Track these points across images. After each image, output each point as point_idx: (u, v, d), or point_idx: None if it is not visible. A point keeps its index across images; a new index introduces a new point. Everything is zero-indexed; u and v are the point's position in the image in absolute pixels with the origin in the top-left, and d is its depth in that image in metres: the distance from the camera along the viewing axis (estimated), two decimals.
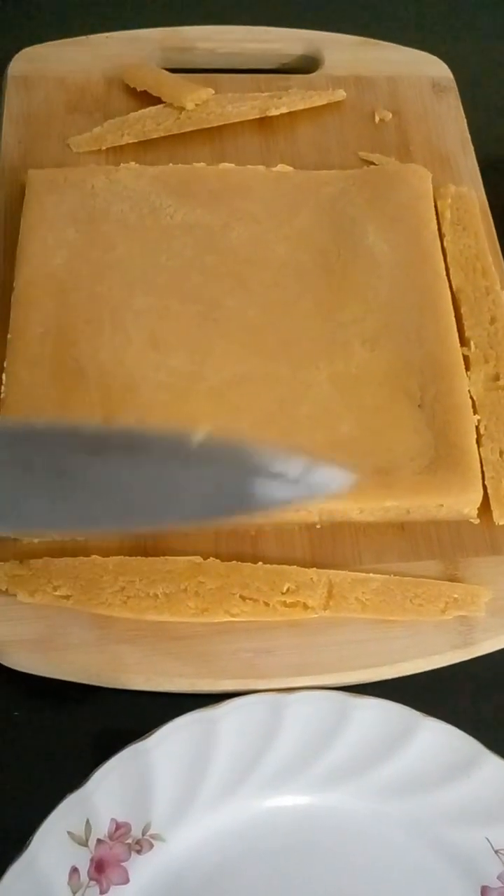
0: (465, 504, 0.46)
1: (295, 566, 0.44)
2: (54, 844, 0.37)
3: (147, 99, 0.60)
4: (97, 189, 0.54)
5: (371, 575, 0.44)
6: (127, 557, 0.44)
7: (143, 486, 0.33)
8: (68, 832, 0.38)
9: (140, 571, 0.43)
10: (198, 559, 0.44)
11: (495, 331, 0.52)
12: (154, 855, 0.38)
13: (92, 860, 0.38)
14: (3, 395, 0.46)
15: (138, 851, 0.38)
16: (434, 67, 0.64)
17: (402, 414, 0.47)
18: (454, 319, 0.51)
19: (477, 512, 0.47)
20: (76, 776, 0.39)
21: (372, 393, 0.48)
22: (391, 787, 0.40)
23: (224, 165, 0.56)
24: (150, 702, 0.43)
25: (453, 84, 0.64)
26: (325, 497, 0.36)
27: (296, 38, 0.65)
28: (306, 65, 0.64)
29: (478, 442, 0.47)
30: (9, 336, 0.48)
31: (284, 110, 0.60)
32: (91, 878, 0.38)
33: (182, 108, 0.59)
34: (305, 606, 0.43)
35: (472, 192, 0.57)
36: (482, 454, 0.47)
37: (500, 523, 0.47)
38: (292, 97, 0.61)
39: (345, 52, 0.64)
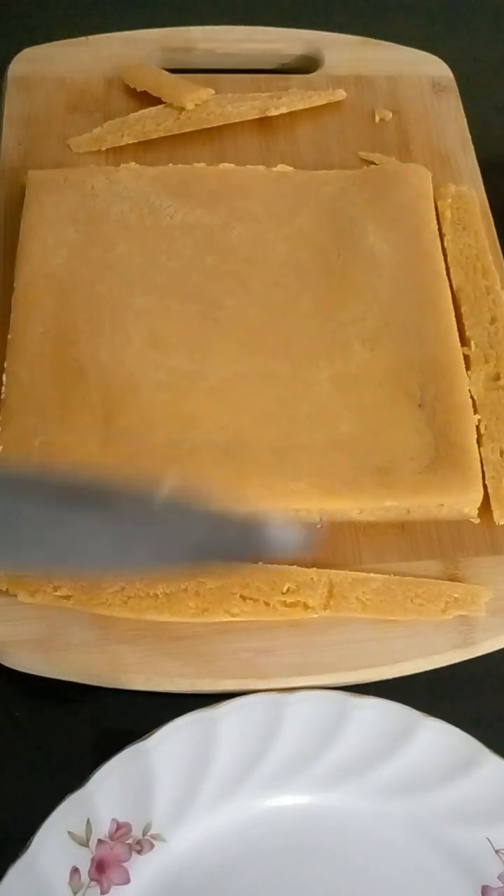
0: (466, 504, 0.46)
1: (295, 566, 0.44)
2: (55, 845, 0.37)
3: (147, 99, 0.60)
4: (97, 189, 0.54)
5: (371, 575, 0.44)
6: None
7: (106, 539, 0.34)
8: (69, 832, 0.38)
9: None
10: None
11: (495, 330, 0.52)
12: (155, 855, 0.38)
13: (93, 860, 0.38)
14: (3, 395, 0.46)
15: (139, 851, 0.38)
16: (434, 67, 0.64)
17: (402, 413, 0.47)
18: (454, 319, 0.51)
19: (477, 512, 0.47)
20: (76, 776, 0.39)
21: (372, 392, 0.48)
22: (391, 786, 0.40)
23: (224, 165, 0.56)
24: (151, 702, 0.43)
25: (453, 84, 0.64)
26: (283, 555, 0.37)
27: (296, 38, 0.65)
28: (306, 65, 0.64)
29: (478, 441, 0.47)
30: (9, 336, 0.48)
31: (284, 110, 0.60)
32: (92, 879, 0.38)
33: (182, 109, 0.59)
34: (306, 606, 0.43)
35: (473, 192, 0.57)
36: (482, 454, 0.47)
37: (501, 523, 0.46)
38: (292, 97, 0.61)
39: (345, 51, 0.64)
